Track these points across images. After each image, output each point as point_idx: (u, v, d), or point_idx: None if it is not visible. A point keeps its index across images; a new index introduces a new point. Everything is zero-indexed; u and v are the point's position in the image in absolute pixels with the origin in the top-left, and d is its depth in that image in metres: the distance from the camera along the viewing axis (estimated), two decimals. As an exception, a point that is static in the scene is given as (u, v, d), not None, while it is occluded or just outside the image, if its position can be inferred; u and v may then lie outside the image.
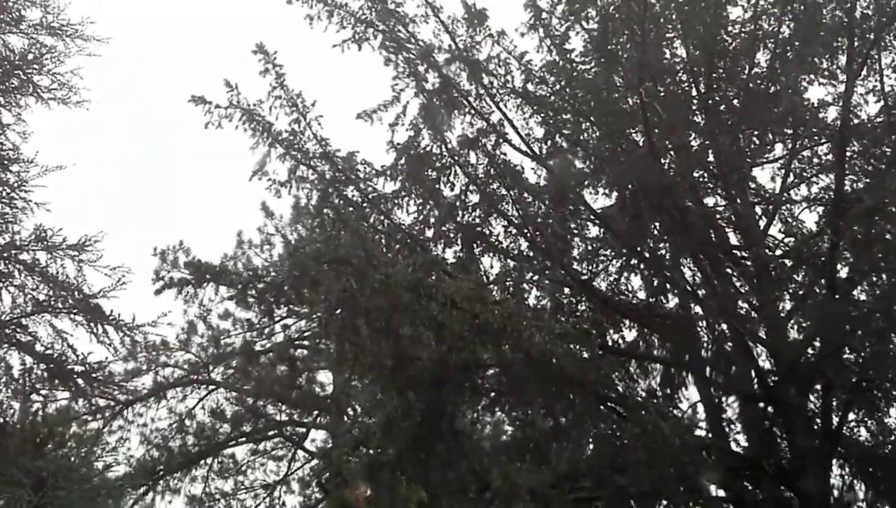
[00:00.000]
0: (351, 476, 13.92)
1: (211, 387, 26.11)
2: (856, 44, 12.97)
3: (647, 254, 14.56)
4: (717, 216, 14.58)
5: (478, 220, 14.97)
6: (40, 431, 19.11)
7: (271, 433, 26.95)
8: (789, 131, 14.88)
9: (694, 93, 14.80)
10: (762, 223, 14.65)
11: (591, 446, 14.06)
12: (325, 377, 26.51)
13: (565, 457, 13.69)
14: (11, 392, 15.84)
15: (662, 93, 14.58)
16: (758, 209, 14.87)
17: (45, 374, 15.41)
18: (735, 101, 14.97)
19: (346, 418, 24.03)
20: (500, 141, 14.88)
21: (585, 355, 12.59)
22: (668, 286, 14.53)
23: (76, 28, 15.99)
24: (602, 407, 13.27)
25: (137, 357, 24.30)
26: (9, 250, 15.28)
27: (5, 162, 15.58)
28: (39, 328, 15.29)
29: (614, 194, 15.11)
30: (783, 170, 14.97)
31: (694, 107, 14.86)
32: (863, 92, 14.06)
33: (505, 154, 14.94)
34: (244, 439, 26.66)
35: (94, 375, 15.67)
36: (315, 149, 14.33)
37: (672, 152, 14.57)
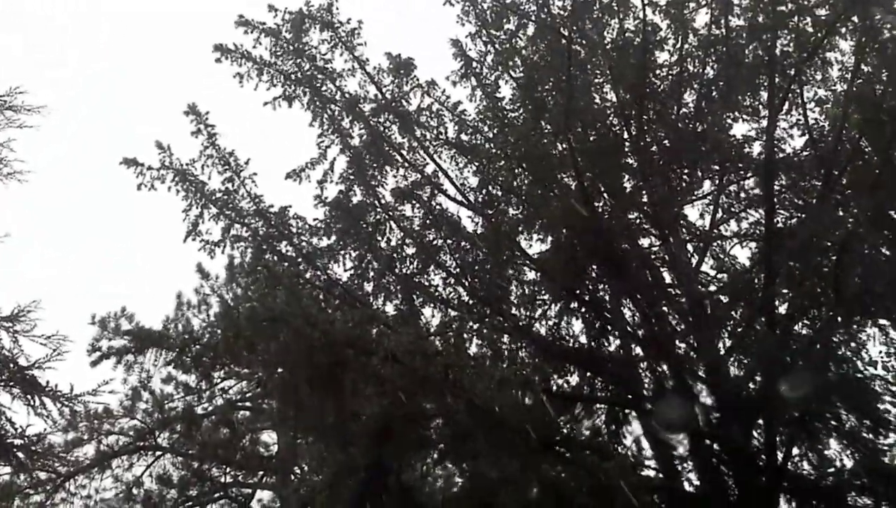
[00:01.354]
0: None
1: (158, 453, 25.80)
2: (776, 80, 13.21)
3: (586, 297, 14.59)
4: (652, 256, 14.66)
5: (416, 271, 14.95)
6: (-17, 507, 18.82)
7: (217, 495, 26.66)
8: (716, 167, 15.05)
9: (625, 135, 14.92)
10: (694, 260, 14.76)
11: (538, 492, 14.00)
12: (268, 437, 26.35)
13: (514, 505, 13.61)
14: (-48, 468, 15.59)
15: (593, 137, 14.71)
16: (689, 247, 14.97)
17: (-15, 449, 15.16)
18: (665, 142, 15.11)
19: (292, 477, 23.91)
20: (436, 192, 14.95)
21: (528, 401, 12.57)
22: (608, 328, 14.55)
23: (4, 100, 15.86)
24: (547, 452, 13.21)
25: (78, 427, 23.95)
26: (-56, 324, 15.08)
27: (-62, 237, 15.41)
28: (-24, 402, 15.07)
29: (549, 239, 15.14)
30: (712, 207, 15.13)
31: (626, 150, 14.97)
32: (786, 126, 14.33)
33: (440, 204, 15.02)
34: (191, 503, 26.31)
35: (33, 448, 15.45)
36: (249, 207, 14.38)
37: (605, 195, 14.67)
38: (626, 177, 15.12)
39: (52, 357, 15.38)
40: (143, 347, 22.28)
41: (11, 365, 15.22)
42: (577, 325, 15.08)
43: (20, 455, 15.42)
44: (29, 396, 15.22)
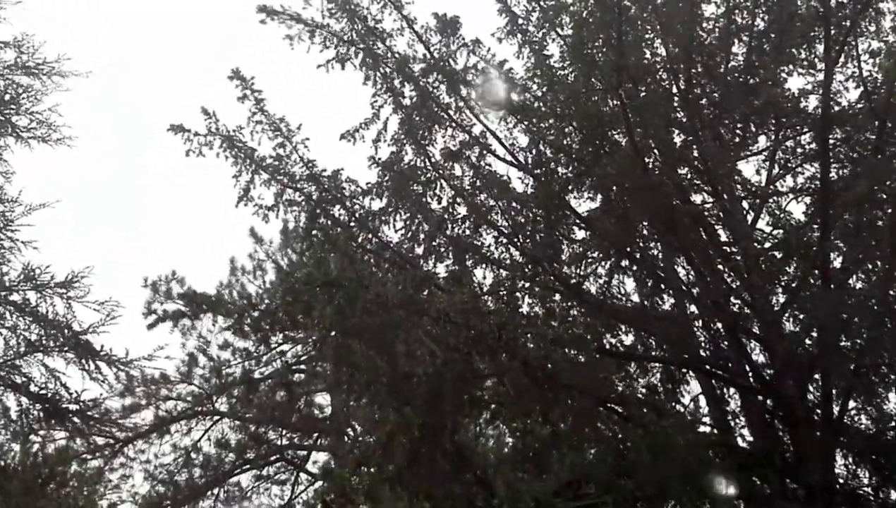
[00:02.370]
0: (354, 495, 13.89)
1: (216, 418, 26.13)
2: (832, 32, 13.02)
3: (637, 255, 14.54)
4: (706, 213, 14.57)
5: (467, 232, 14.98)
6: (41, 472, 19.08)
7: (274, 458, 26.99)
8: (772, 123, 14.91)
9: (675, 90, 14.82)
10: (750, 217, 14.66)
11: (593, 451, 14.02)
12: (323, 399, 26.59)
13: (567, 464, 13.64)
14: (10, 434, 15.87)
15: (643, 94, 14.61)
16: (745, 203, 14.87)
17: (42, 415, 15.44)
18: (715, 96, 15.00)
19: (346, 438, 24.14)
20: (484, 152, 14.94)
21: (581, 359, 12.61)
22: (661, 286, 14.52)
23: (52, 66, 16.09)
24: (602, 410, 13.23)
25: (135, 392, 24.29)
26: (-2, 291, 15.33)
27: (-11, 202, 15.64)
28: (33, 368, 15.33)
29: (599, 197, 15.08)
30: (768, 162, 14.99)
31: (675, 105, 14.86)
32: (842, 79, 14.11)
33: (490, 165, 15.01)
34: (248, 466, 26.67)
35: (89, 413, 15.70)
36: (302, 172, 14.42)
37: (656, 151, 14.59)
38: (677, 132, 15.02)
39: (106, 321, 15.65)
40: (198, 312, 22.54)
41: (66, 331, 15.48)
42: (630, 284, 15.10)
43: (76, 419, 15.71)
44: (84, 361, 15.50)
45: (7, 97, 16.02)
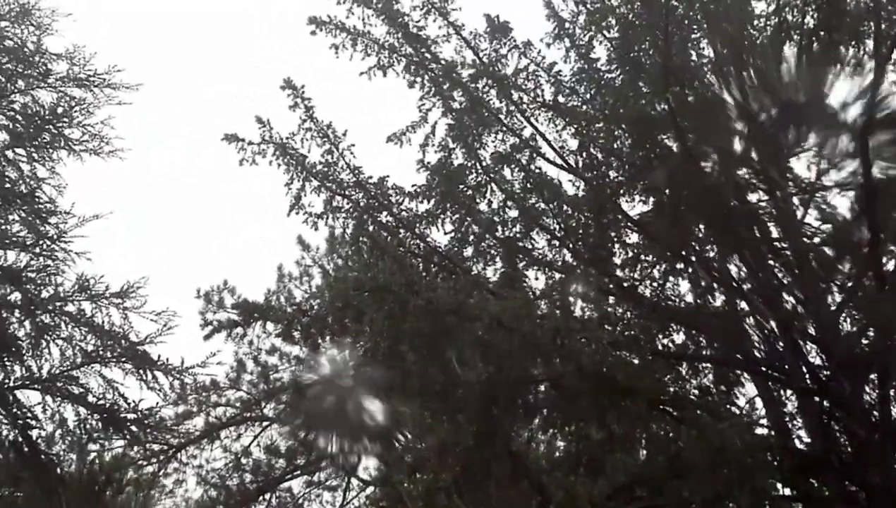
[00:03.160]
0: (410, 502, 13.96)
1: (264, 423, 26.34)
2: (882, 27, 12.90)
3: (691, 257, 14.48)
4: (760, 211, 14.46)
5: (518, 235, 15.00)
6: (98, 479, 19.38)
7: (324, 463, 27.10)
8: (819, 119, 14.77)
9: (725, 92, 14.73)
10: (799, 212, 14.54)
11: (647, 453, 13.99)
12: (371, 405, 26.64)
13: (621, 467, 13.63)
14: (68, 443, 16.10)
15: (691, 96, 14.55)
16: (795, 199, 14.74)
17: (100, 424, 15.64)
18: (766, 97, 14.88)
19: (396, 444, 24.22)
20: (534, 155, 14.95)
21: (636, 361, 12.57)
22: (714, 285, 14.44)
23: (103, 78, 16.31)
24: (656, 413, 13.19)
25: (187, 399, 24.52)
26: (53, 302, 15.59)
27: (43, 215, 15.90)
28: (90, 378, 15.56)
29: (651, 200, 15.03)
30: (817, 158, 14.85)
31: (726, 106, 14.77)
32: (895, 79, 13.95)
33: (540, 168, 15.02)
34: (299, 472, 26.82)
35: (146, 422, 15.91)
36: (349, 179, 14.49)
37: (709, 154, 14.51)
38: (729, 133, 14.92)
39: (163, 332, 15.84)
40: (250, 320, 22.75)
41: (123, 341, 15.68)
42: (683, 285, 15.03)
43: (133, 428, 15.90)
44: (141, 371, 15.69)
45: (59, 110, 16.25)
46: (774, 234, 14.39)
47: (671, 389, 13.63)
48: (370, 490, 26.54)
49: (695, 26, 15.01)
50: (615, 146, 15.00)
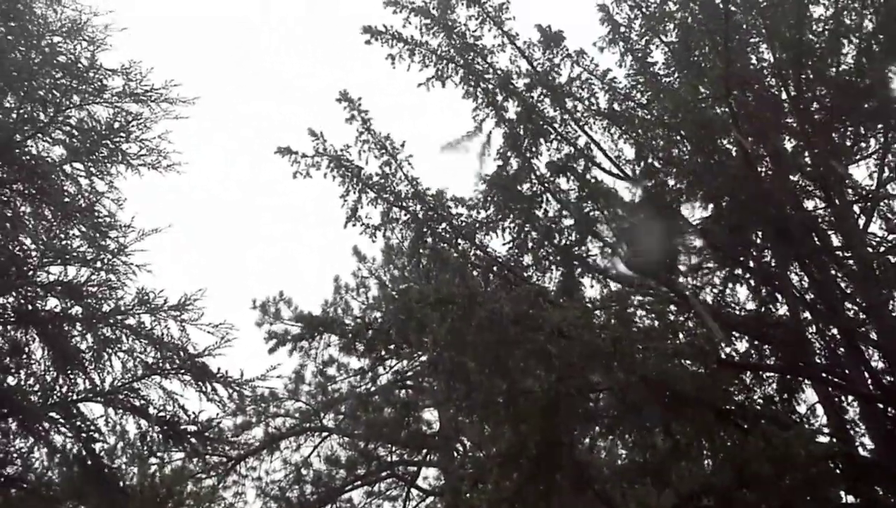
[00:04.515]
0: (474, 512, 14.05)
1: (324, 434, 26.63)
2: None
3: (751, 264, 14.52)
4: (819, 219, 14.48)
5: (574, 242, 15.08)
6: (159, 492, 19.66)
7: (384, 473, 27.38)
8: (881, 126, 14.78)
9: (784, 96, 14.79)
10: (861, 221, 14.54)
11: (712, 463, 14.00)
12: (430, 415, 26.91)
13: (686, 477, 13.67)
14: (129, 456, 16.36)
15: (752, 100, 14.60)
16: (856, 207, 14.74)
17: (160, 436, 15.88)
18: (826, 100, 14.91)
19: (455, 454, 24.43)
20: (590, 165, 15.04)
21: (701, 371, 12.61)
22: (775, 294, 14.45)
23: (160, 92, 16.54)
24: (722, 422, 13.22)
25: (246, 410, 24.83)
26: (114, 316, 15.82)
27: (103, 229, 16.17)
28: (151, 391, 15.79)
29: (710, 206, 15.06)
30: (878, 165, 14.85)
31: (785, 110, 14.82)
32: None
33: (595, 177, 15.10)
34: (359, 482, 27.11)
35: (206, 434, 16.14)
36: (407, 190, 14.64)
37: (767, 159, 14.55)
38: (788, 138, 14.96)
39: (221, 344, 16.07)
40: (314, 332, 23.05)
41: (182, 353, 15.92)
42: (743, 292, 15.04)
43: (193, 440, 16.13)
44: (200, 383, 15.92)
45: (116, 125, 16.51)
46: (836, 242, 14.41)
47: (736, 399, 13.65)
48: (430, 500, 26.79)
49: (753, 31, 15.04)
50: (674, 153, 15.07)
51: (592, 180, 15.06)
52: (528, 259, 15.14)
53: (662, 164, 15.00)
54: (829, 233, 14.47)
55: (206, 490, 24.89)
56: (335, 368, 26.99)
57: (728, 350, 14.18)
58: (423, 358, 22.46)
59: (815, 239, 14.18)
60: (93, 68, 16.45)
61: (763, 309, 14.48)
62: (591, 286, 14.99)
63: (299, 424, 26.53)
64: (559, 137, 15.07)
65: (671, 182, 15.00)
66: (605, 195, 14.88)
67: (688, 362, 12.56)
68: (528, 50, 15.23)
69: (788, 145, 14.91)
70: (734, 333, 14.29)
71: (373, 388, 26.50)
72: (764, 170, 14.35)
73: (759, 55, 15.07)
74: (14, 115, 15.81)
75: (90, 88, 16.42)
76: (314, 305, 28.67)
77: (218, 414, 16.78)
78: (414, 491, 27.72)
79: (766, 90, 14.97)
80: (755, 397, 14.08)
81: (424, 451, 27.14)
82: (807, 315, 14.30)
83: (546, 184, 15.10)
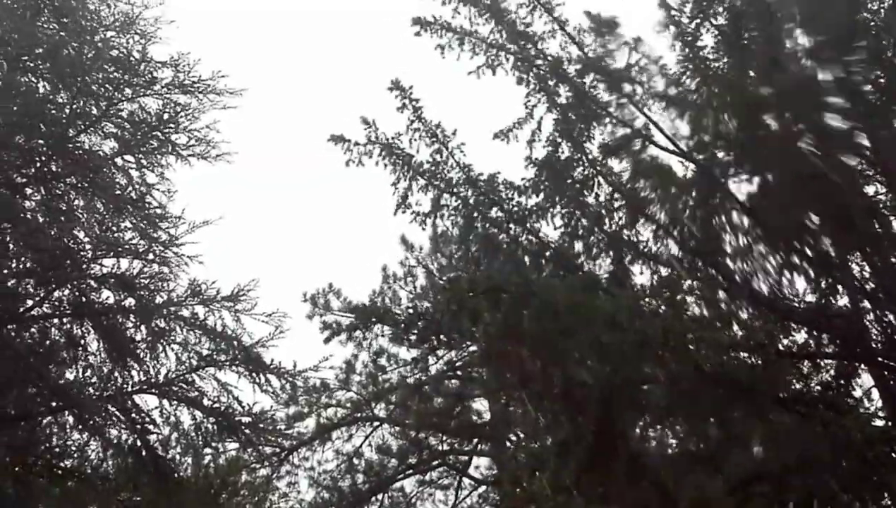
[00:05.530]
0: (533, 501, 14.19)
1: (375, 424, 26.92)
2: None
3: (806, 250, 14.49)
4: (881, 205, 14.41)
5: (625, 226, 15.17)
6: (213, 482, 19.98)
7: (436, 463, 27.62)
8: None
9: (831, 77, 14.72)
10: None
11: (766, 449, 14.04)
12: (480, 405, 27.11)
13: (739, 463, 13.73)
14: (183, 447, 16.65)
15: (793, 84, 14.57)
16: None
17: (215, 427, 16.16)
18: (881, 80, 14.84)
19: (507, 443, 24.59)
20: (646, 143, 15.10)
21: (758, 363, 12.68)
22: (835, 284, 14.40)
23: (208, 83, 16.77)
24: (778, 409, 13.27)
25: (298, 401, 25.15)
26: (168, 307, 16.10)
27: (154, 220, 16.43)
28: (205, 382, 16.06)
29: (757, 180, 15.01)
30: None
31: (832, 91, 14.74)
32: None
33: (650, 155, 15.16)
34: (411, 471, 27.36)
35: (260, 425, 16.39)
36: (458, 177, 14.82)
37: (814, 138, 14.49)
38: (839, 119, 14.88)
39: (275, 334, 16.33)
40: (367, 324, 23.27)
41: (235, 344, 16.19)
42: (800, 282, 14.99)
43: (247, 431, 16.41)
44: (254, 374, 16.19)
45: (166, 116, 16.75)
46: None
47: (794, 386, 13.71)
48: (482, 488, 27.01)
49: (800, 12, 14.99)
50: (721, 130, 15.08)
51: (647, 158, 15.13)
52: (579, 245, 15.25)
53: (712, 141, 15.02)
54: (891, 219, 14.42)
55: (259, 480, 25.31)
56: (385, 358, 27.33)
57: (786, 341, 14.25)
58: (474, 348, 22.75)
59: (876, 225, 14.13)
60: (144, 61, 16.71)
61: (823, 299, 14.43)
62: (641, 272, 15.09)
63: (351, 414, 26.85)
64: (614, 120, 15.15)
65: (720, 155, 15.01)
66: (659, 171, 14.94)
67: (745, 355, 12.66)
68: (579, 36, 15.32)
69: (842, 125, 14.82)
70: (792, 324, 14.31)
71: (423, 378, 26.75)
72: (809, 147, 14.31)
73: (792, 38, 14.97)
74: (67, 110, 16.06)
75: (141, 81, 16.69)
76: (361, 295, 28.82)
77: (271, 405, 17.05)
78: (466, 480, 27.99)
79: (811, 70, 14.90)
80: (812, 384, 14.13)
81: (476, 440, 27.36)
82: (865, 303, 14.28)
83: (598, 168, 15.21)
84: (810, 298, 14.50)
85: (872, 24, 14.63)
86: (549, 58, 15.16)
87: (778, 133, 14.05)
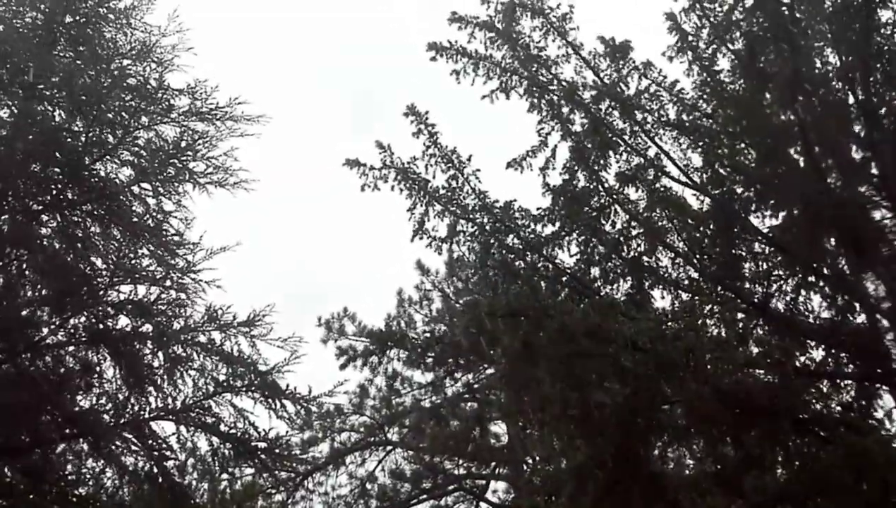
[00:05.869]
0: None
1: (388, 448, 27.01)
2: None
3: (825, 271, 14.57)
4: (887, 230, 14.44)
5: (643, 253, 15.26)
6: (230, 508, 20.03)
7: (451, 487, 27.68)
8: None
9: (851, 100, 14.83)
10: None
11: (786, 472, 14.05)
12: (498, 428, 27.18)
13: (761, 486, 13.74)
14: (199, 472, 16.70)
15: (818, 106, 14.67)
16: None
17: (231, 453, 16.22)
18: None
19: (524, 467, 24.64)
20: (659, 174, 15.22)
21: (775, 382, 12.73)
22: (851, 302, 14.48)
23: (225, 111, 16.88)
24: (798, 431, 13.29)
25: (313, 426, 25.26)
26: (185, 333, 16.19)
27: (171, 247, 16.54)
28: (222, 408, 16.12)
29: (780, 215, 15.11)
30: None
31: (853, 116, 14.85)
32: None
33: (665, 186, 15.27)
34: (426, 496, 27.45)
35: (276, 450, 16.44)
36: (474, 203, 14.93)
37: (835, 169, 14.59)
38: (854, 147, 14.99)
39: (290, 360, 16.40)
40: (384, 348, 23.48)
41: (252, 370, 16.27)
42: (816, 300, 15.04)
43: (263, 456, 16.45)
44: (270, 400, 16.25)
45: (183, 144, 16.86)
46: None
47: (813, 406, 13.73)
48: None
49: (818, 36, 15.12)
50: (739, 160, 15.20)
51: (662, 189, 15.24)
52: (595, 271, 15.34)
53: (729, 172, 15.14)
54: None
55: (275, 505, 25.44)
56: (399, 382, 27.40)
57: (803, 359, 14.29)
58: (490, 371, 22.89)
59: (888, 248, 14.19)
60: (161, 89, 16.83)
61: (839, 318, 14.51)
62: (662, 297, 15.18)
63: (364, 438, 27.02)
64: (628, 148, 15.31)
65: (739, 190, 15.12)
66: (675, 204, 15.06)
67: (760, 372, 12.72)
68: (594, 60, 15.48)
69: (855, 154, 14.93)
70: (809, 342, 14.38)
71: (438, 401, 26.88)
72: (833, 180, 14.43)
73: (825, 59, 15.09)
74: (83, 138, 16.21)
75: (158, 108, 16.79)
76: (376, 319, 28.99)
77: (287, 431, 17.08)
78: (483, 505, 28.08)
79: (833, 94, 15.02)
80: (832, 405, 14.15)
81: (493, 464, 27.43)
82: (884, 323, 14.34)
83: (614, 196, 15.32)
84: (826, 315, 14.59)
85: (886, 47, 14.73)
86: (564, 83, 15.31)
87: (804, 169, 14.15)
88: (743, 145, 15.19)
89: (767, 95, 15.10)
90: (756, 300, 14.68)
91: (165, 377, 16.09)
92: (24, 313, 15.94)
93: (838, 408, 14.16)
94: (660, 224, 15.32)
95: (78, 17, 17.43)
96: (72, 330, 16.19)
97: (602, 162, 15.32)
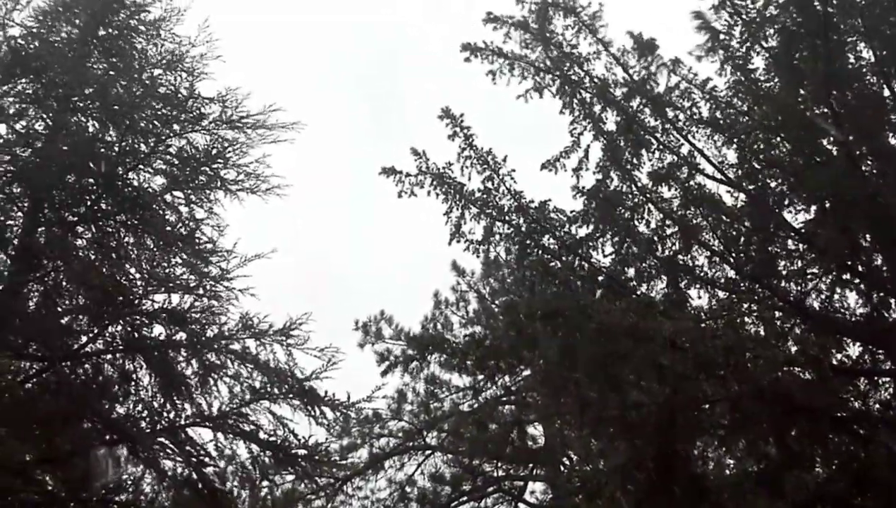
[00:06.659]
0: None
1: (427, 452, 27.22)
2: None
3: (861, 268, 14.64)
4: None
5: (678, 252, 15.39)
6: (270, 515, 20.22)
7: (490, 489, 27.86)
8: None
9: (886, 93, 14.91)
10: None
11: (827, 471, 14.13)
12: (535, 429, 27.34)
13: (802, 485, 13.83)
14: (239, 479, 16.92)
15: (853, 100, 14.75)
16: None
17: (271, 460, 16.43)
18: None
19: (562, 468, 24.81)
20: (693, 172, 15.35)
21: (814, 378, 12.83)
22: (887, 298, 14.58)
23: (256, 119, 17.12)
24: (838, 430, 13.39)
25: (351, 431, 25.50)
26: (219, 341, 16.41)
27: (204, 255, 16.77)
28: (260, 416, 16.33)
29: (813, 208, 15.20)
30: None
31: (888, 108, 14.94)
32: None
33: (699, 183, 15.40)
34: (465, 498, 27.65)
35: (315, 457, 16.64)
36: (510, 204, 15.12)
37: (871, 159, 14.67)
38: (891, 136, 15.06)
39: (327, 367, 16.59)
40: (424, 353, 23.71)
41: (289, 378, 16.48)
42: (852, 297, 15.13)
43: (303, 463, 16.66)
44: (309, 407, 16.45)
45: (214, 151, 17.10)
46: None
47: (852, 405, 13.82)
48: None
49: (852, 30, 15.19)
50: (773, 154, 15.29)
51: (696, 186, 15.36)
52: (630, 271, 15.48)
53: (764, 166, 15.24)
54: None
55: (315, 510, 25.69)
56: (437, 386, 27.62)
57: (840, 356, 14.38)
58: (527, 373, 23.08)
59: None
60: (191, 98, 17.10)
61: (875, 314, 14.59)
62: (699, 296, 15.32)
63: (403, 443, 27.25)
64: (661, 146, 15.47)
65: (773, 184, 15.22)
66: (709, 200, 15.17)
67: (799, 370, 12.82)
68: (623, 57, 15.66)
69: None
70: (846, 339, 14.46)
71: (476, 405, 27.10)
72: (868, 169, 14.51)
73: (858, 54, 15.16)
74: (116, 148, 16.49)
75: (189, 117, 17.05)
76: (412, 321, 29.20)
77: (326, 437, 17.27)
78: (522, 506, 28.25)
79: (868, 88, 15.10)
80: (871, 402, 14.23)
81: (531, 466, 27.60)
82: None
83: (648, 195, 15.46)
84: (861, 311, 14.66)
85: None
86: (596, 80, 15.49)
87: (839, 158, 14.23)
88: (778, 139, 15.24)
89: (802, 91, 15.19)
90: (792, 298, 14.78)
91: (199, 384, 16.29)
92: (63, 321, 16.20)
93: (877, 406, 14.25)
94: (694, 222, 15.40)
95: (111, 30, 17.80)
96: (109, 339, 16.44)
97: (635, 160, 15.45)
